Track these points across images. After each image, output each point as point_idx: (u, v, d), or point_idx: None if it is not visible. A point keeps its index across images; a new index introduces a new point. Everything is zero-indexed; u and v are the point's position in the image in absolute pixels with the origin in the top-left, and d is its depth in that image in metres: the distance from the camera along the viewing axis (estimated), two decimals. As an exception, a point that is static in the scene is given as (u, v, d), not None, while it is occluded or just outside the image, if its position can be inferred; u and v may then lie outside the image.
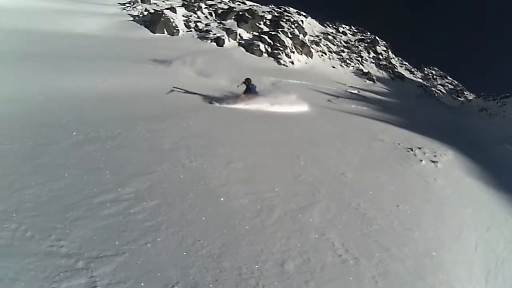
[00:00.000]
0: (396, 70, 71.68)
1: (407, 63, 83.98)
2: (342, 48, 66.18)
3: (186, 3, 52.81)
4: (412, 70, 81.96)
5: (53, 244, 4.24)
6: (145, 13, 43.69)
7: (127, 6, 48.11)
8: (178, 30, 42.05)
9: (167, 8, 44.28)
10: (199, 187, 6.48)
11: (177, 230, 5.04)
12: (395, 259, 6.00)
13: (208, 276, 4.44)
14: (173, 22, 41.87)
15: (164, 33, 39.94)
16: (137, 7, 47.11)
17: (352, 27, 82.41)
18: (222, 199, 6.25)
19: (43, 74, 11.81)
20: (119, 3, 50.52)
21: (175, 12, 44.47)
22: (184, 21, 44.95)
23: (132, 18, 41.39)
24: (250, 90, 16.32)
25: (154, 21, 40.18)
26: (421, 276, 5.85)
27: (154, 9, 44.85)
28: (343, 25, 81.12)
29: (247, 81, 16.66)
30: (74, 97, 10.18)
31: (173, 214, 5.38)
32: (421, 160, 12.39)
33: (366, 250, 5.91)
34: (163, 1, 55.12)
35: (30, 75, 11.30)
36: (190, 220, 5.35)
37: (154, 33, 38.91)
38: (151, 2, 52.79)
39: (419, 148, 13.75)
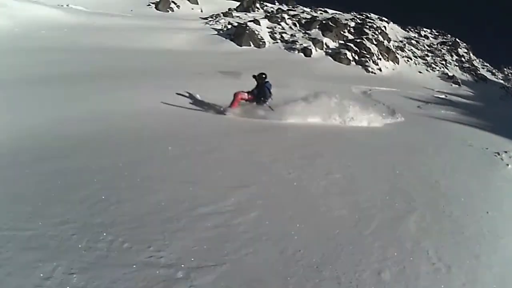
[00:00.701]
0: (478, 72, 70.01)
1: (488, 65, 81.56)
2: (426, 52, 65.27)
3: (268, 14, 53.35)
4: (493, 71, 79.32)
5: (152, 255, 4.16)
6: (229, 26, 44.41)
7: (210, 20, 49.23)
8: (264, 42, 42.46)
9: (250, 21, 44.86)
10: (299, 198, 6.39)
11: (277, 241, 4.90)
12: (484, 266, 5.81)
13: (308, 285, 4.28)
14: (258, 34, 42.27)
15: (250, 45, 40.39)
16: (220, 21, 48.07)
17: (433, 30, 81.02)
18: (321, 210, 6.12)
19: (140, 89, 12.57)
20: (201, 18, 51.77)
21: (259, 24, 45.03)
22: (269, 32, 45.35)
23: (216, 32, 42.24)
24: (260, 90, 13.05)
25: (239, 34, 40.77)
26: (506, 283, 5.64)
27: (238, 22, 45.51)
28: (424, 29, 79.73)
29: (261, 77, 13.13)
30: (168, 112, 10.71)
31: (273, 225, 5.26)
32: (508, 165, 12.00)
33: (458, 258, 5.74)
34: (246, 14, 56.01)
35: (131, 91, 12.13)
36: (291, 231, 5.21)
37: (241, 46, 39.44)
38: (234, 15, 53.71)
39: (505, 152, 13.32)
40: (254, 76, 13.31)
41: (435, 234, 6.20)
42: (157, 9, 61.47)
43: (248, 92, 13.02)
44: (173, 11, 62.20)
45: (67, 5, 46.65)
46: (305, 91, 14.17)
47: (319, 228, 5.46)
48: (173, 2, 64.07)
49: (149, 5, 62.58)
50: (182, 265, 4.11)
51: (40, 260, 3.84)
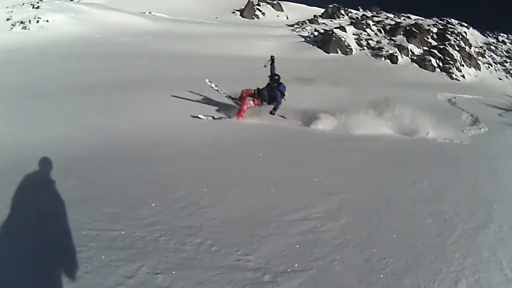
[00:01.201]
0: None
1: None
2: (504, 58, 61.96)
3: (353, 21, 52.84)
4: None
5: (240, 259, 4.19)
6: (315, 33, 44.28)
7: (296, 27, 49.29)
8: (351, 49, 42.05)
9: (336, 28, 44.56)
10: (386, 206, 6.34)
11: (364, 248, 4.90)
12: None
13: (389, 293, 4.26)
14: (345, 41, 41.92)
15: (337, 52, 40.10)
16: (306, 28, 48.01)
17: (510, 36, 76.51)
18: (407, 218, 6.06)
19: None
20: (287, 25, 51.92)
21: (345, 31, 44.63)
22: (355, 39, 44.91)
23: (303, 39, 42.19)
24: (271, 92, 11.54)
25: (327, 41, 40.62)
26: None
27: (324, 29, 45.31)
28: (501, 34, 75.86)
29: (273, 79, 11.54)
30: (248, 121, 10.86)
31: (360, 233, 5.25)
32: None
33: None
34: (331, 21, 55.74)
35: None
36: (377, 239, 5.20)
37: (328, 53, 39.21)
38: (319, 22, 53.56)
39: None
40: (271, 77, 11.77)
41: (510, 244, 5.99)
42: (242, 16, 62.53)
43: (254, 95, 11.64)
44: (258, 18, 63.03)
45: (149, 13, 48.17)
46: (386, 104, 13.52)
47: (404, 236, 5.43)
48: (258, 9, 64.87)
49: (234, 12, 63.76)
50: (270, 269, 4.12)
51: (123, 260, 3.95)
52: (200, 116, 10.98)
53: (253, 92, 11.62)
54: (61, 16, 39.37)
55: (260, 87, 11.72)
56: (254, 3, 66.49)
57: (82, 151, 7.47)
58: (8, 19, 40.63)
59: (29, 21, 37.82)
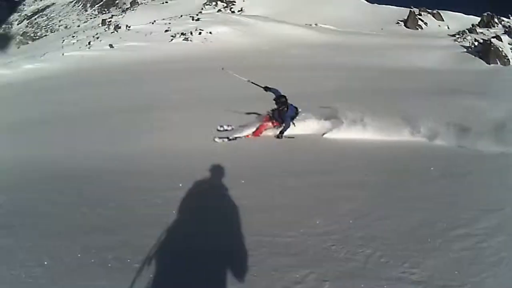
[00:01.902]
0: None
1: None
2: None
3: (507, 29, 49.49)
4: None
5: (405, 271, 4.35)
6: (475, 43, 42.32)
7: (458, 37, 47.46)
8: (508, 59, 39.55)
9: (493, 37, 42.17)
10: None
11: None
12: None
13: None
14: (502, 51, 39.53)
15: (497, 63, 37.95)
16: (467, 38, 46.01)
17: None
18: None
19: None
20: (448, 35, 50.12)
21: (501, 41, 42.03)
22: (511, 49, 42.14)
23: (465, 50, 40.51)
24: (282, 116, 10.90)
25: (486, 51, 38.35)
26: None
27: (482, 39, 43.13)
28: None
29: (280, 101, 10.71)
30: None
31: None
32: None
33: None
34: (487, 30, 52.80)
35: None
36: None
37: (489, 63, 37.23)
38: (478, 31, 51.05)
39: None
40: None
41: None
42: (406, 27, 61.49)
43: (271, 118, 11.27)
44: (421, 28, 61.54)
45: (315, 24, 48.79)
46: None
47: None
48: (420, 19, 63.46)
49: (398, 23, 62.94)
50: (430, 284, 4.24)
51: (293, 266, 4.27)
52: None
53: (270, 122, 11.28)
54: (225, 28, 41.12)
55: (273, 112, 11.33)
56: (416, 13, 65.16)
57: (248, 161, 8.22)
58: (167, 31, 43.34)
59: (191, 33, 39.80)
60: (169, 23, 48.10)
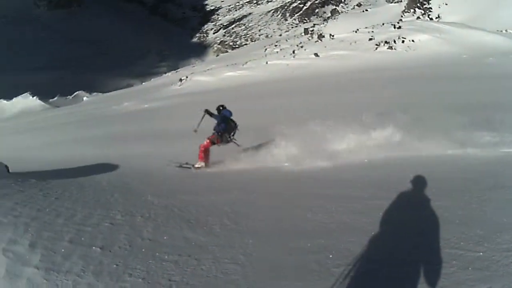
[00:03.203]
0: None
1: None
2: None
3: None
4: None
5: None
6: None
7: None
8: None
9: None
10: None
11: None
12: None
13: None
14: None
15: None
16: None
17: None
18: None
19: None
20: None
21: None
22: None
23: None
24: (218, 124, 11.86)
25: None
26: None
27: None
28: None
29: (218, 109, 11.99)
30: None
31: None
32: None
33: None
34: None
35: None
36: None
37: None
38: None
39: None
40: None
41: None
42: None
43: (211, 139, 11.89)
44: None
45: (505, 31, 45.98)
46: None
47: None
48: None
49: None
50: None
51: (476, 280, 4.32)
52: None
53: (208, 139, 11.81)
54: (426, 36, 40.21)
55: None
56: None
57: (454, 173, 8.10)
58: (370, 39, 43.55)
59: (394, 41, 39.51)
60: (372, 31, 47.85)
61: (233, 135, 12.27)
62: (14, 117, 61.96)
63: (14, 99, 73.29)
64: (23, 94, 73.11)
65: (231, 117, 12.03)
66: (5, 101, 73.09)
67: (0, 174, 10.04)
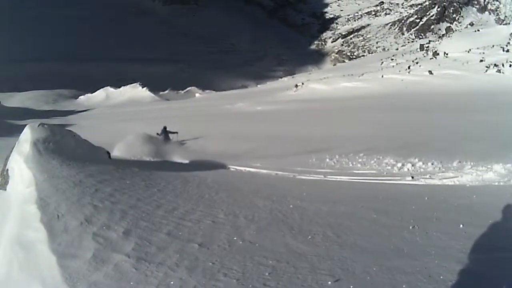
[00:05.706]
0: None
1: None
2: None
3: None
4: None
5: None
6: None
7: None
8: None
9: None
10: None
11: None
12: None
13: None
14: None
15: None
16: None
17: None
18: None
19: None
20: None
21: None
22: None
23: None
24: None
25: None
26: None
27: None
28: None
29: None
30: None
31: None
32: None
33: None
34: None
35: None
36: None
37: None
38: None
39: None
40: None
41: None
42: None
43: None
44: None
45: None
46: None
47: None
48: None
49: None
50: None
51: None
52: None
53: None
54: None
55: None
56: None
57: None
58: (481, 61, 42.26)
59: (502, 64, 38.26)
60: (483, 52, 46.65)
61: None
62: (121, 105, 65.72)
63: (122, 88, 78.10)
64: (132, 84, 77.82)
65: None
66: (112, 89, 77.87)
67: (101, 160, 10.51)
